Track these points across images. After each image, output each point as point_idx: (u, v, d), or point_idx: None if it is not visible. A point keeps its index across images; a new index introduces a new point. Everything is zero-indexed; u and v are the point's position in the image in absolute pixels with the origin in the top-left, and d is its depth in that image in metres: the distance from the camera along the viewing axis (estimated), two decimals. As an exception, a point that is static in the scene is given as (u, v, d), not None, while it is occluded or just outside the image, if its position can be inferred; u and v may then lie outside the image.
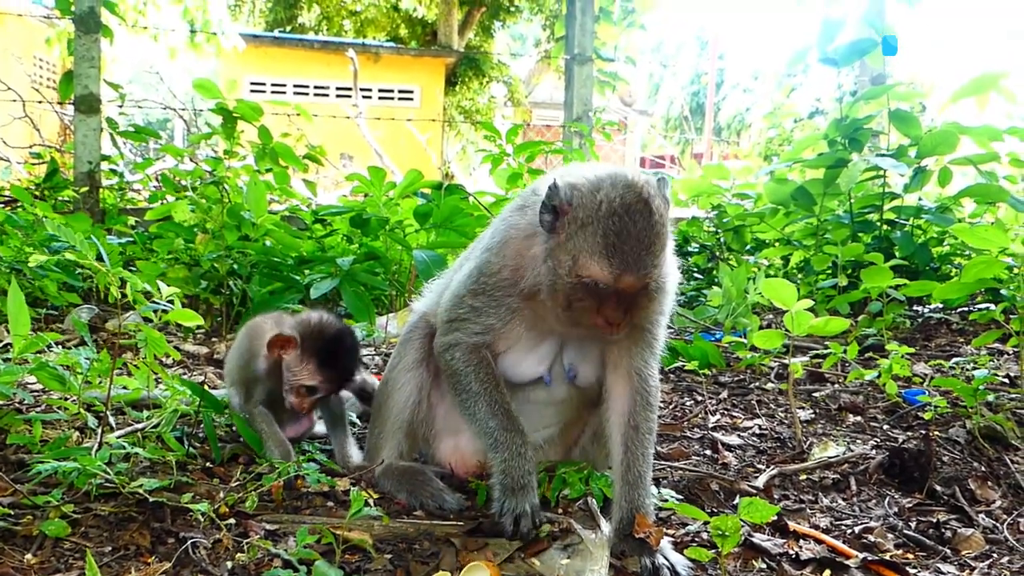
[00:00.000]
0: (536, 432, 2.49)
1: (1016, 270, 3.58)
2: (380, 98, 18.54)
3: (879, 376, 3.57)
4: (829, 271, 5.57)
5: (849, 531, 2.36)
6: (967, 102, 5.95)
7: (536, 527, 2.13)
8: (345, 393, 2.94)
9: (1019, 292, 3.46)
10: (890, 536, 2.34)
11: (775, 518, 1.98)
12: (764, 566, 2.12)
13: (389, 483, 2.46)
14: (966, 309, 5.51)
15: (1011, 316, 3.54)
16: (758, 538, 2.23)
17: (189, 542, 2.00)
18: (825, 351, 4.13)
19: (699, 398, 3.76)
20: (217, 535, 2.05)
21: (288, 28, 20.44)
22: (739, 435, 3.25)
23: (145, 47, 11.65)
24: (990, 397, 3.32)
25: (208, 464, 2.57)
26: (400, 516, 2.29)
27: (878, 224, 5.92)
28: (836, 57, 6.09)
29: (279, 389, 2.70)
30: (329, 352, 2.67)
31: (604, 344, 2.31)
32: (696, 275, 6.75)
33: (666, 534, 2.21)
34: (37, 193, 5.98)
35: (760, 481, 2.70)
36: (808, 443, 3.12)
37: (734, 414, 3.56)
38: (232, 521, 2.13)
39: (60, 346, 2.70)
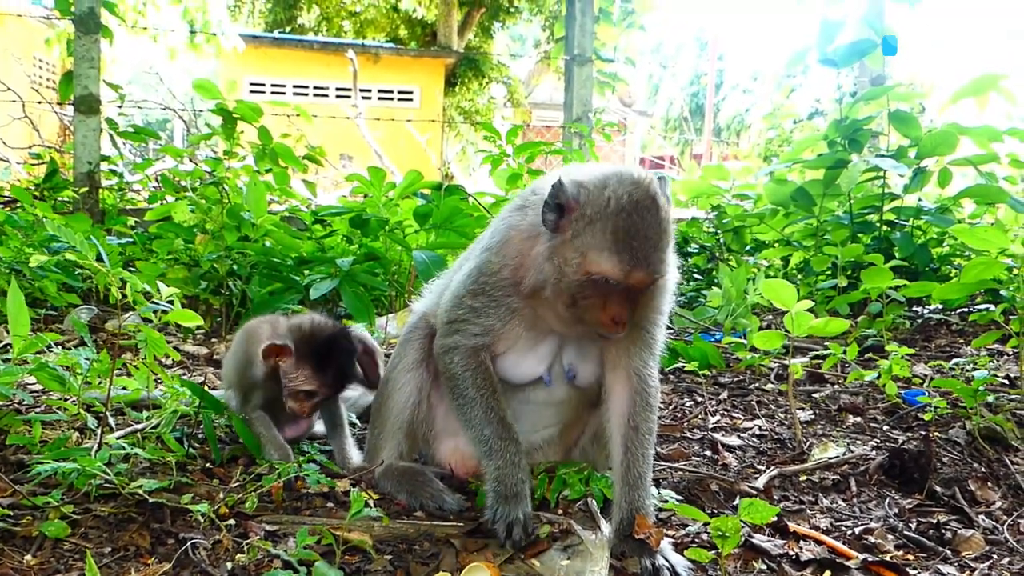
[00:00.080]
0: (536, 433, 2.50)
1: (1016, 271, 3.58)
2: (380, 99, 18.56)
3: (879, 377, 3.57)
4: (829, 272, 5.57)
5: (849, 532, 2.36)
6: (967, 103, 5.95)
7: (528, 535, 2.13)
8: (348, 392, 2.94)
9: (1019, 293, 3.46)
10: (890, 537, 2.34)
11: (775, 519, 1.98)
12: (764, 567, 2.12)
13: (389, 484, 2.45)
14: (966, 310, 5.52)
15: (1011, 317, 3.55)
16: (758, 539, 2.23)
17: (189, 543, 1.99)
18: (825, 352, 4.14)
19: (699, 399, 3.76)
20: (217, 536, 2.05)
21: (288, 29, 20.44)
22: (739, 436, 3.25)
23: (145, 48, 11.66)
24: (990, 398, 3.32)
25: (208, 465, 2.57)
26: (400, 517, 2.29)
27: (878, 225, 5.92)
28: (836, 58, 6.09)
29: (278, 393, 2.69)
30: (324, 356, 2.65)
31: (604, 344, 2.31)
32: (696, 276, 6.75)
33: (666, 535, 2.21)
34: (37, 193, 5.96)
35: (760, 482, 2.70)
36: (808, 444, 3.12)
37: (734, 415, 3.56)
38: (232, 522, 2.13)
39: (60, 347, 2.69)
